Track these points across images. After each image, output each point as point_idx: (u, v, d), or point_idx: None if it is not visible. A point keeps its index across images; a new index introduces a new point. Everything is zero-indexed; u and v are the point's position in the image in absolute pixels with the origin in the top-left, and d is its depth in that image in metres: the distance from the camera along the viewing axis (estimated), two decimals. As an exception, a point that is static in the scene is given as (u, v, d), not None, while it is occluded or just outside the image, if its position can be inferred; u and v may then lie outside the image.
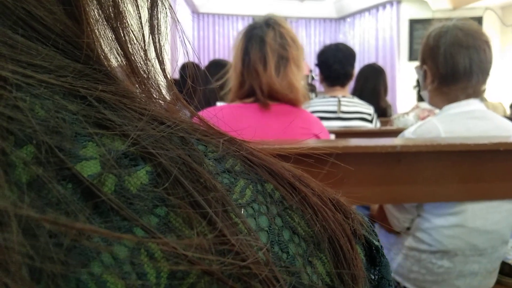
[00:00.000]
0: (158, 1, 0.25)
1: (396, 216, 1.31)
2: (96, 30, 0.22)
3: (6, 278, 0.12)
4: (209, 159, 0.20)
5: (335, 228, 0.21)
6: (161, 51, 0.25)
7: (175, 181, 0.17)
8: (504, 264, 1.39)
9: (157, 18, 0.25)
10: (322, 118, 1.49)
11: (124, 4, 0.23)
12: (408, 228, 1.33)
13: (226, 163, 0.21)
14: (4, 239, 0.13)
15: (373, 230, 0.25)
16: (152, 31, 0.24)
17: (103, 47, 0.22)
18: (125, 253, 0.15)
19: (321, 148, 1.03)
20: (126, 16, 0.23)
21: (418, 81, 2.93)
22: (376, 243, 0.24)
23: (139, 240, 0.15)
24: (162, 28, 0.25)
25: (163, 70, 0.25)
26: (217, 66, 2.53)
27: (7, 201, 0.13)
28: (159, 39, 0.25)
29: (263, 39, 1.25)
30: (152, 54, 0.25)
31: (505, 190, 1.17)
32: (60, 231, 0.14)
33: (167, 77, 0.25)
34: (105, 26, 0.22)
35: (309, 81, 3.33)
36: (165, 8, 0.25)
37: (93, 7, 0.22)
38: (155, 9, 0.25)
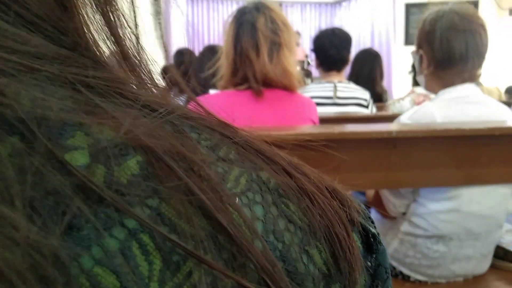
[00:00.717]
0: None
1: (392, 201, 1.32)
2: (84, 15, 0.21)
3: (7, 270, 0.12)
4: (202, 147, 0.20)
5: (331, 216, 0.21)
6: (164, 37, 0.24)
7: (167, 170, 0.17)
8: (498, 248, 1.40)
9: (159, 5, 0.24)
10: (318, 104, 1.49)
11: None
12: (404, 213, 1.34)
13: (220, 151, 0.20)
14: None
15: (370, 217, 0.25)
16: (156, 16, 0.24)
17: (92, 32, 0.22)
18: (116, 246, 0.15)
19: (317, 134, 1.03)
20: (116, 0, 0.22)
21: (413, 66, 2.92)
22: (373, 230, 0.24)
23: (131, 232, 0.15)
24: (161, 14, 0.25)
25: (167, 57, 0.25)
26: (211, 51, 2.51)
27: None
28: (161, 25, 0.24)
29: (254, 25, 1.23)
30: (151, 41, 0.24)
31: (500, 174, 1.18)
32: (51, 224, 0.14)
33: (170, 63, 0.25)
34: (94, 11, 0.22)
35: (305, 66, 3.32)
36: None
37: None
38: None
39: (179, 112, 0.20)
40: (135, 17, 0.23)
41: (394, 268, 1.37)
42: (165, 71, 0.25)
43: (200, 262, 0.16)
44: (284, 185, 0.21)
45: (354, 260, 0.21)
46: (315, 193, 0.21)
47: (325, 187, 0.23)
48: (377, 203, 1.39)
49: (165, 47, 0.25)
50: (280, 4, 1.36)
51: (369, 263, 0.23)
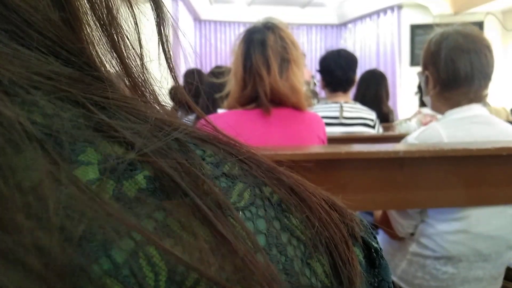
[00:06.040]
0: (163, 10, 0.25)
1: (399, 222, 1.31)
2: (91, 36, 0.22)
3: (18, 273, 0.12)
4: (207, 164, 0.20)
5: (331, 229, 0.21)
6: (171, 58, 0.25)
7: (173, 185, 0.17)
8: (509, 270, 1.38)
9: (165, 28, 0.25)
10: (324, 124, 1.49)
11: (117, 10, 0.23)
12: (412, 234, 1.33)
13: (224, 167, 0.21)
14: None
15: (372, 233, 0.25)
16: (161, 41, 0.25)
17: (99, 53, 0.22)
18: (123, 257, 0.15)
19: (324, 154, 1.03)
20: (120, 22, 0.23)
21: (419, 87, 2.93)
22: (375, 245, 0.24)
23: (137, 244, 0.15)
24: (169, 36, 0.25)
25: (174, 77, 0.25)
26: (219, 72, 2.54)
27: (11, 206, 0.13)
28: (168, 47, 0.25)
29: (265, 42, 1.24)
30: (159, 61, 0.25)
31: (509, 195, 1.17)
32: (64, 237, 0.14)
33: (178, 83, 0.26)
34: (100, 32, 0.23)
35: (311, 87, 3.34)
36: (167, 14, 0.25)
37: (86, 14, 0.22)
38: (162, 20, 0.25)
39: (185, 130, 0.21)
40: (139, 38, 0.24)
41: (402, 289, 1.35)
42: (173, 91, 0.26)
43: (203, 276, 0.16)
44: (286, 199, 0.21)
45: (354, 272, 0.21)
46: (316, 208, 0.22)
47: (325, 201, 0.23)
48: (385, 223, 1.38)
49: (174, 68, 0.25)
50: (283, 23, 1.39)
51: (372, 278, 0.23)
